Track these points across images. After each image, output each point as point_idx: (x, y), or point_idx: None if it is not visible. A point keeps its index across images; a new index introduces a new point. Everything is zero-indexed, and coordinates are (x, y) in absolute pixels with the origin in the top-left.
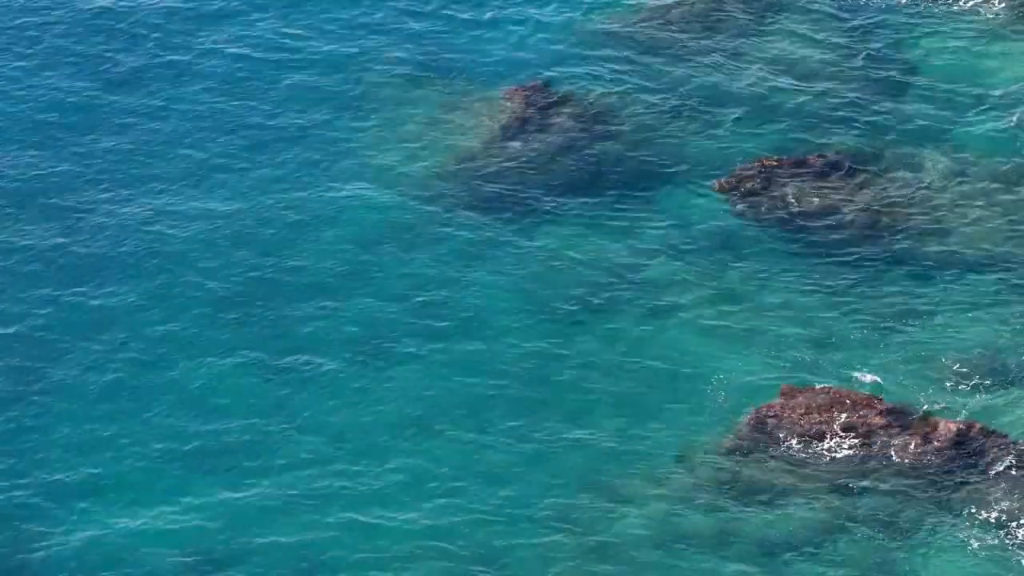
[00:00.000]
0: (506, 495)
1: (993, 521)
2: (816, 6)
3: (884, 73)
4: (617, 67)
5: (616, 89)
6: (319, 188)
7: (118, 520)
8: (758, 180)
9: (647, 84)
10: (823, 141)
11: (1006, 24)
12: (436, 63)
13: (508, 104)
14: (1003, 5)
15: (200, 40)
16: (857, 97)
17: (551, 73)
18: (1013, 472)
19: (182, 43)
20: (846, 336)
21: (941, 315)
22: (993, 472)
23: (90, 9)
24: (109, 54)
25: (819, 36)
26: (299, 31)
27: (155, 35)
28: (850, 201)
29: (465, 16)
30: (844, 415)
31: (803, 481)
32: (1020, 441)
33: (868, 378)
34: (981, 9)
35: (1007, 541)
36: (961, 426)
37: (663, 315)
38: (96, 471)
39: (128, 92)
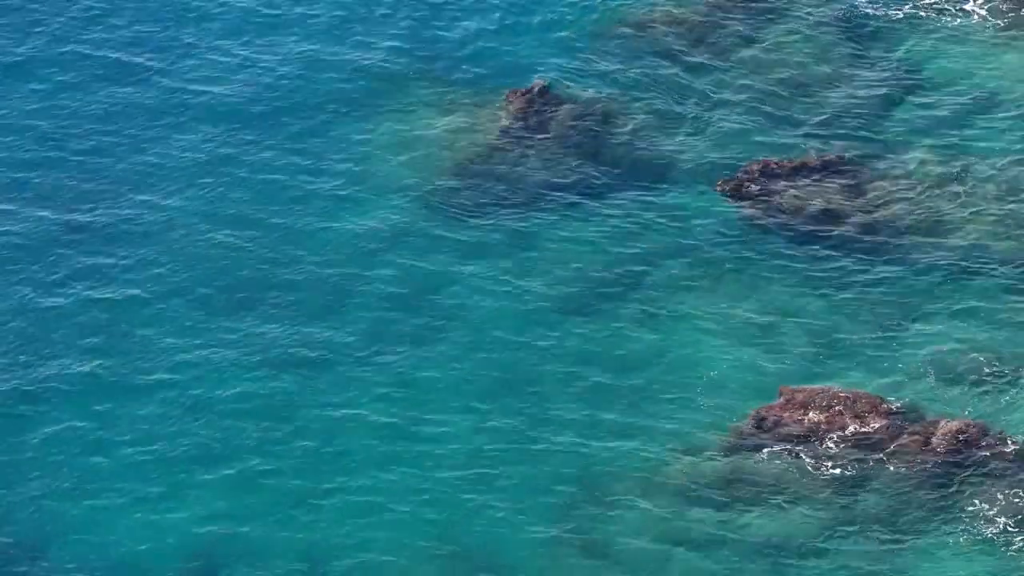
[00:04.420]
0: (505, 494)
1: (993, 520)
2: (816, 10)
3: (884, 75)
4: (618, 69)
5: (617, 91)
6: (320, 188)
7: (118, 520)
8: (759, 181)
9: (648, 85)
10: (823, 142)
11: (1004, 28)
12: (438, 64)
13: (509, 105)
14: (1006, 11)
15: (197, 39)
16: (857, 99)
17: (552, 75)
18: (1012, 472)
19: (179, 40)
20: (846, 336)
21: (941, 315)
22: (993, 472)
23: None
24: (107, 52)
25: (819, 39)
26: (300, 32)
27: (152, 33)
28: (850, 202)
29: (467, 18)
30: (844, 415)
31: (803, 481)
32: (1020, 441)
33: (867, 378)
34: (979, 13)
35: (1007, 540)
36: (961, 426)
37: (663, 315)
38: (95, 471)
39: (126, 88)
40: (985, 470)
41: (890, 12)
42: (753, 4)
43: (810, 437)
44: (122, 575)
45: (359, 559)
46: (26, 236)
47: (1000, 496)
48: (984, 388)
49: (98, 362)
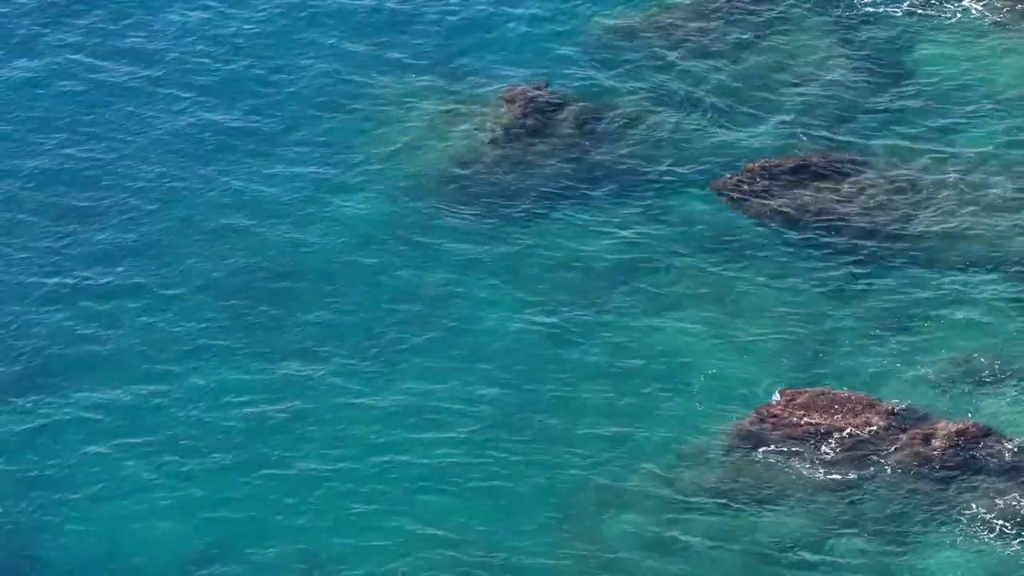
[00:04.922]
0: (505, 494)
1: (992, 521)
2: (817, 9)
3: (884, 74)
4: (617, 68)
5: (613, 90)
6: (319, 188)
7: (116, 513)
8: (757, 180)
9: (644, 85)
10: (823, 141)
11: (1005, 26)
12: (437, 63)
13: (508, 104)
14: (1002, 7)
15: (195, 38)
16: (857, 98)
17: (551, 73)
18: (1013, 473)
19: (175, 38)
20: (845, 336)
21: (941, 315)
22: (993, 473)
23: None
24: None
25: (819, 38)
26: (299, 31)
27: (150, 28)
28: (849, 201)
29: (466, 16)
30: (844, 416)
31: (803, 481)
32: (1020, 441)
33: (867, 379)
34: (980, 11)
35: (1007, 541)
36: (961, 426)
37: (662, 315)
38: (93, 465)
39: (124, 85)
40: (985, 471)
41: (888, 9)
42: (749, 3)
43: (810, 438)
44: (121, 569)
45: (358, 554)
46: (26, 233)
47: (1000, 497)
48: (984, 388)
49: (96, 356)
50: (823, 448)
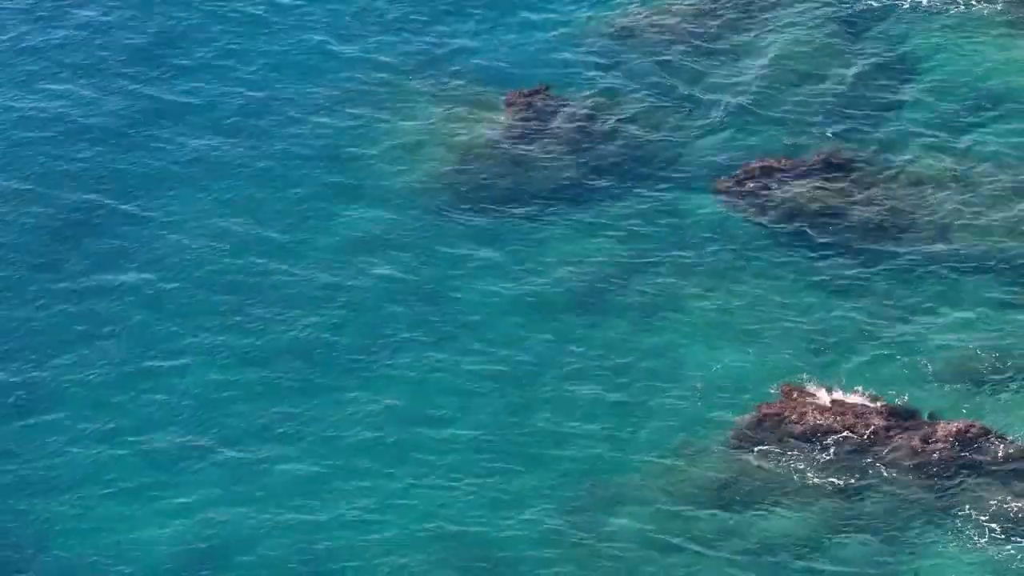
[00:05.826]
0: (505, 494)
1: (992, 521)
2: (817, 8)
3: (884, 73)
4: (617, 69)
5: (615, 91)
6: (319, 189)
7: (116, 520)
8: (758, 180)
9: (647, 85)
10: (823, 141)
11: (1006, 25)
12: (439, 65)
13: (510, 105)
14: (1002, 6)
15: (195, 38)
16: (857, 97)
17: (552, 75)
18: (1012, 472)
19: (175, 39)
20: (846, 336)
21: (942, 314)
22: (992, 472)
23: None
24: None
25: (820, 37)
26: (299, 32)
27: (151, 30)
28: (850, 201)
29: (468, 19)
30: (844, 415)
31: (803, 481)
32: (1020, 441)
33: (867, 378)
34: (980, 9)
35: (1006, 540)
36: (961, 426)
37: (663, 315)
38: (94, 472)
39: (123, 86)
40: (985, 470)
41: (893, 2)
42: (748, 1)
43: (810, 436)
44: (119, 569)
45: (357, 551)
46: (26, 232)
47: (1000, 496)
48: (984, 388)
49: (96, 356)
50: (822, 447)
